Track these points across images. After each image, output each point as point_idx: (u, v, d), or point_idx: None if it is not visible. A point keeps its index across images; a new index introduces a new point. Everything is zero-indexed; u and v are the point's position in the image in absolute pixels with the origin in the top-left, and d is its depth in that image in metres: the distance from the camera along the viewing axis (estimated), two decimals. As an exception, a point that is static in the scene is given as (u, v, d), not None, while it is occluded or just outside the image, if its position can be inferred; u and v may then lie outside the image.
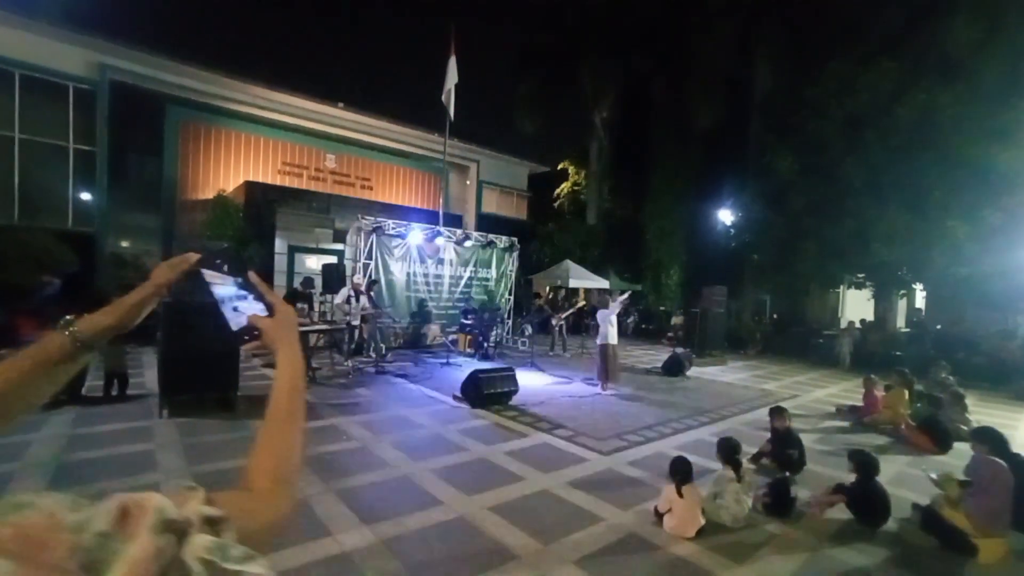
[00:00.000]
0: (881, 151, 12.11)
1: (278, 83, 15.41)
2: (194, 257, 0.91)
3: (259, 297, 0.88)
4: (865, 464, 3.90)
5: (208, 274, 0.90)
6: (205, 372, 5.67)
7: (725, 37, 17.15)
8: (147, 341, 8.83)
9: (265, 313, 0.86)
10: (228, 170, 15.42)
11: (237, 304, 0.88)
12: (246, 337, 0.86)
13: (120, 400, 5.97)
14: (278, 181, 16.02)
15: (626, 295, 9.22)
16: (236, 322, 0.87)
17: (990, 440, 3.88)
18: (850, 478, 3.96)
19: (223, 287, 0.89)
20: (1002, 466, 3.59)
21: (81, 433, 4.71)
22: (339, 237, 15.00)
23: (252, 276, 0.90)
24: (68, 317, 0.80)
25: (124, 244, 14.21)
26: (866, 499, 3.81)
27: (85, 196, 12.52)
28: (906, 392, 6.82)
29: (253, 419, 5.43)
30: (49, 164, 11.93)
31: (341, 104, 16.74)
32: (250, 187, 13.97)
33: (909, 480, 4.68)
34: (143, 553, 0.40)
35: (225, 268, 0.90)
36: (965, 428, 5.95)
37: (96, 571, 0.38)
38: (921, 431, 5.95)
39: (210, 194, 14.25)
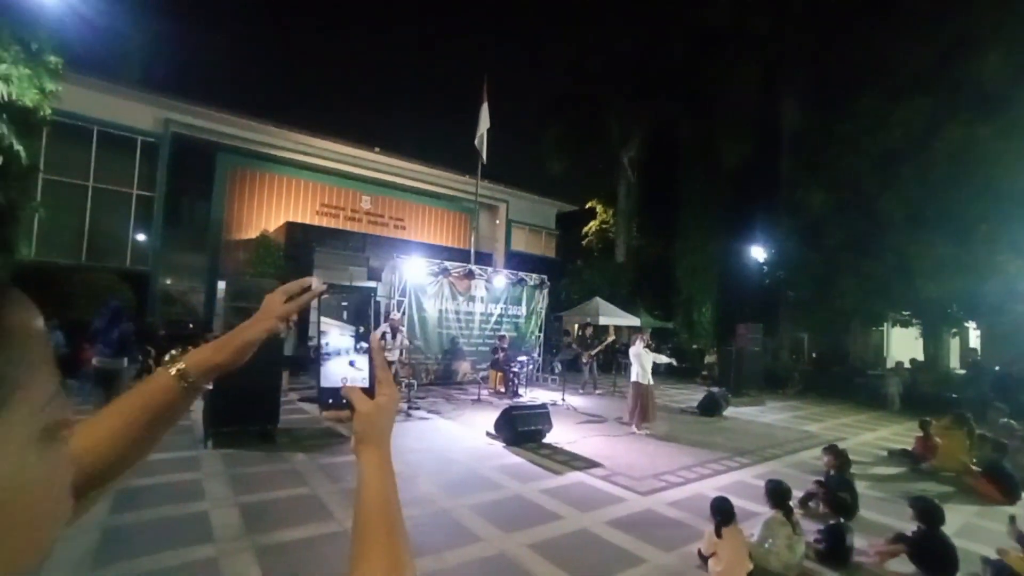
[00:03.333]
0: (920, 185, 11.86)
1: (318, 130, 16.44)
2: (320, 286, 0.80)
3: (370, 366, 0.75)
4: (929, 512, 3.67)
5: (324, 320, 0.79)
6: (248, 405, 5.85)
7: (751, 77, 17.43)
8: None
9: (364, 385, 0.73)
10: (271, 211, 16.29)
11: (346, 360, 0.75)
12: (331, 401, 0.74)
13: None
14: (316, 221, 16.78)
15: (666, 361, 8.96)
16: (330, 379, 0.75)
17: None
18: (910, 527, 3.72)
19: (338, 336, 0.77)
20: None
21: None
22: (373, 275, 15.47)
23: (374, 339, 0.78)
24: (173, 352, 0.77)
25: (174, 281, 15.01)
26: (931, 550, 3.57)
27: (142, 238, 13.42)
28: (966, 436, 6.42)
29: (293, 452, 5.53)
30: (115, 209, 12.92)
31: (377, 149, 17.64)
32: (290, 227, 14.69)
33: (977, 532, 4.36)
34: None
35: (345, 315, 0.79)
36: (1035, 476, 5.53)
37: None
38: (987, 479, 5.55)
39: (253, 234, 15.03)
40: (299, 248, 14.16)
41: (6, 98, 6.61)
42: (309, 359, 11.42)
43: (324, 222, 16.97)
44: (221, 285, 13.87)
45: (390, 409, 0.71)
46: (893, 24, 13.37)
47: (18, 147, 6.99)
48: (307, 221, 16.40)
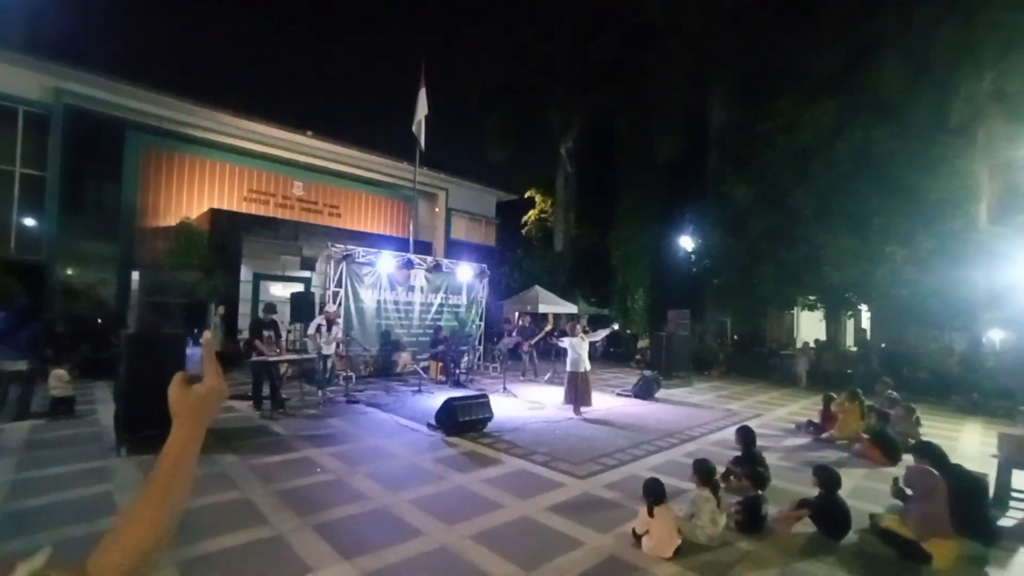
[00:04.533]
0: (827, 181, 13.03)
1: (245, 110, 15.30)
2: (207, 335, 0.93)
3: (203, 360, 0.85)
4: (828, 479, 4.12)
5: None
6: (166, 407, 5.42)
7: (682, 74, 18.21)
8: (98, 375, 8.42)
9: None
10: (192, 197, 15.04)
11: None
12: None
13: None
14: (244, 208, 15.72)
15: (607, 331, 9.40)
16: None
17: (930, 454, 4.23)
18: (812, 492, 4.17)
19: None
20: (937, 476, 3.89)
21: (27, 477, 4.43)
22: (307, 264, 14.77)
23: (205, 337, 0.88)
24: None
25: (78, 273, 13.51)
26: (829, 513, 4.02)
27: (31, 222, 11.93)
28: (858, 408, 7.23)
29: (221, 453, 5.24)
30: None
31: (309, 132, 16.72)
32: (215, 214, 13.66)
33: (866, 492, 4.94)
34: None
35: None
36: (913, 440, 6.35)
37: None
38: (873, 445, 6.30)
39: (173, 221, 13.84)
40: (226, 237, 13.22)
41: None
42: (239, 354, 10.79)
43: (253, 209, 15.94)
44: (135, 276, 12.71)
45: (209, 397, 0.81)
46: (808, 29, 14.47)
47: None
48: (234, 208, 15.33)
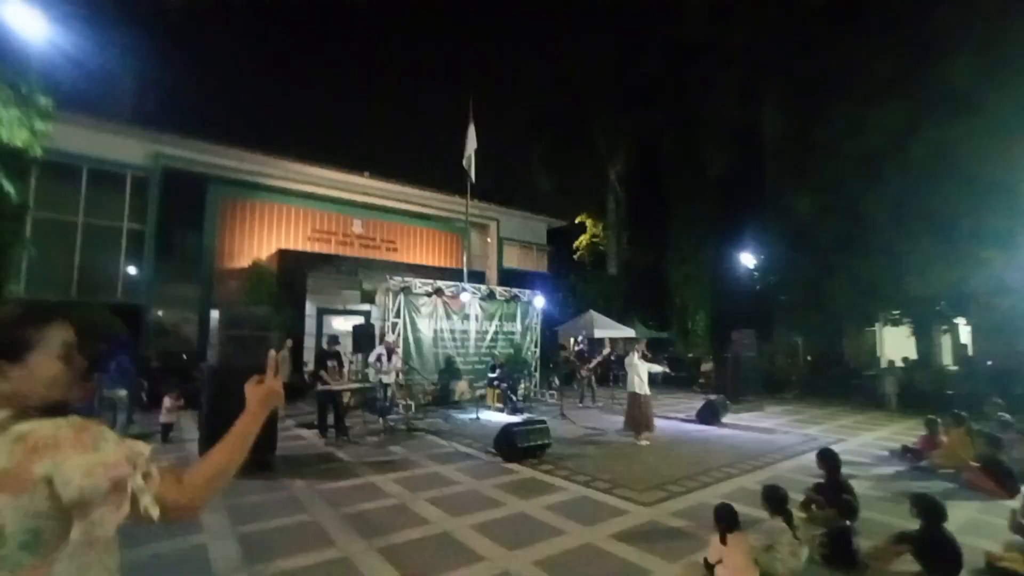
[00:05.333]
0: (902, 184, 12.10)
1: (308, 157, 16.59)
2: (272, 354, 1.31)
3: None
4: (930, 509, 3.68)
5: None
6: (244, 434, 5.79)
7: (730, 87, 17.82)
8: (192, 404, 9.11)
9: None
10: (263, 239, 16.30)
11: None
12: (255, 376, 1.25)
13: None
14: (308, 247, 16.81)
15: (661, 369, 9.09)
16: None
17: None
18: (912, 525, 3.73)
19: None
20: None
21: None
22: (367, 298, 15.43)
23: (271, 356, 1.29)
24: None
25: (166, 313, 14.89)
26: (934, 547, 3.56)
27: (133, 271, 13.37)
28: (965, 432, 6.46)
29: (291, 479, 5.47)
30: (106, 244, 12.90)
31: (367, 173, 17.80)
32: (283, 254, 14.71)
33: (980, 527, 4.37)
34: (121, 454, 0.95)
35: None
36: (1034, 468, 5.57)
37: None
38: (986, 474, 5.58)
39: (246, 263, 15.02)
40: (292, 275, 14.15)
41: (-4, 141, 6.67)
42: (305, 385, 11.34)
43: (316, 247, 17.00)
44: (214, 315, 13.82)
45: (269, 394, 1.22)
46: (860, 32, 13.80)
47: (8, 188, 7.01)
48: (299, 247, 16.43)
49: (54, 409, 1.02)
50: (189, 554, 3.62)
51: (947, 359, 16.21)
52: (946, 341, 16.67)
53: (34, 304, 1.14)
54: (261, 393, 1.21)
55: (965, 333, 17.09)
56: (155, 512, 0.97)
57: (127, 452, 0.97)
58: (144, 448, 1.01)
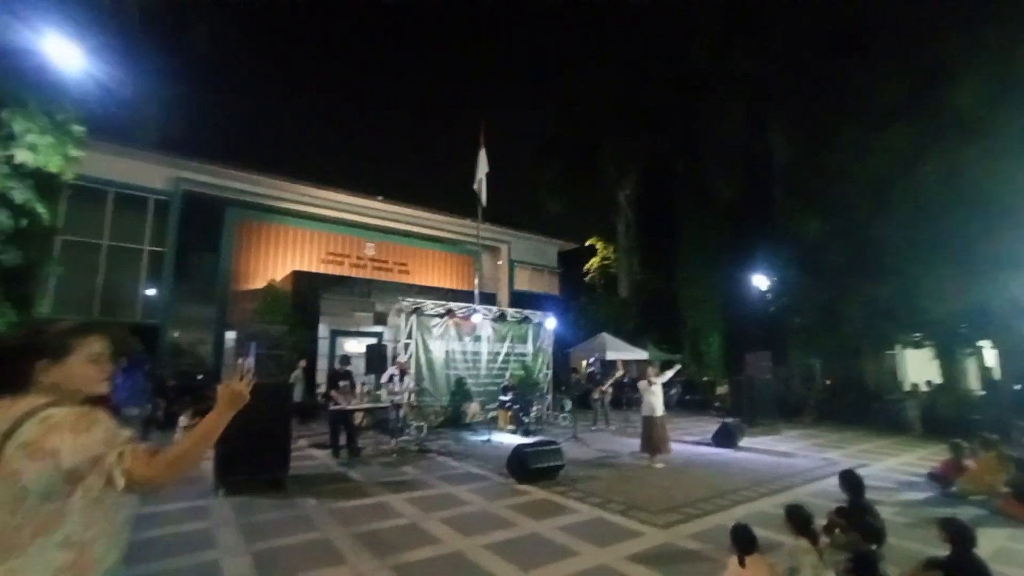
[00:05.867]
0: (913, 208, 12.04)
1: (322, 181, 17.04)
2: (241, 362, 1.58)
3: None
4: (960, 533, 3.56)
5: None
6: (258, 454, 5.83)
7: (736, 112, 18.06)
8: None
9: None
10: (277, 261, 16.62)
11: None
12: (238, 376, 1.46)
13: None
14: (322, 269, 17.08)
15: (673, 370, 8.97)
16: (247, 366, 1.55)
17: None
18: (941, 551, 3.60)
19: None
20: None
21: (145, 512, 4.84)
22: (379, 320, 15.57)
23: (241, 363, 1.56)
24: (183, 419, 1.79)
25: (183, 333, 15.15)
26: (966, 573, 3.44)
27: (152, 292, 13.68)
28: (995, 457, 6.25)
29: (304, 498, 5.46)
30: (127, 266, 13.28)
31: (380, 197, 18.19)
32: (297, 276, 14.96)
33: (1012, 556, 4.21)
34: (103, 437, 1.22)
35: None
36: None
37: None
38: (1017, 500, 5.38)
39: (261, 284, 15.29)
40: (306, 296, 14.36)
41: (32, 165, 6.97)
42: (317, 406, 11.37)
43: (330, 270, 17.27)
44: (230, 335, 14.00)
45: (235, 396, 1.42)
46: (865, 59, 13.98)
47: (40, 210, 7.30)
48: (313, 269, 16.71)
49: (92, 401, 1.33)
50: (201, 570, 3.61)
51: (973, 382, 15.76)
52: (971, 364, 16.23)
53: (81, 322, 1.52)
54: (228, 394, 1.41)
55: (991, 356, 16.66)
56: (120, 483, 1.21)
57: (109, 435, 1.24)
58: (126, 433, 1.28)
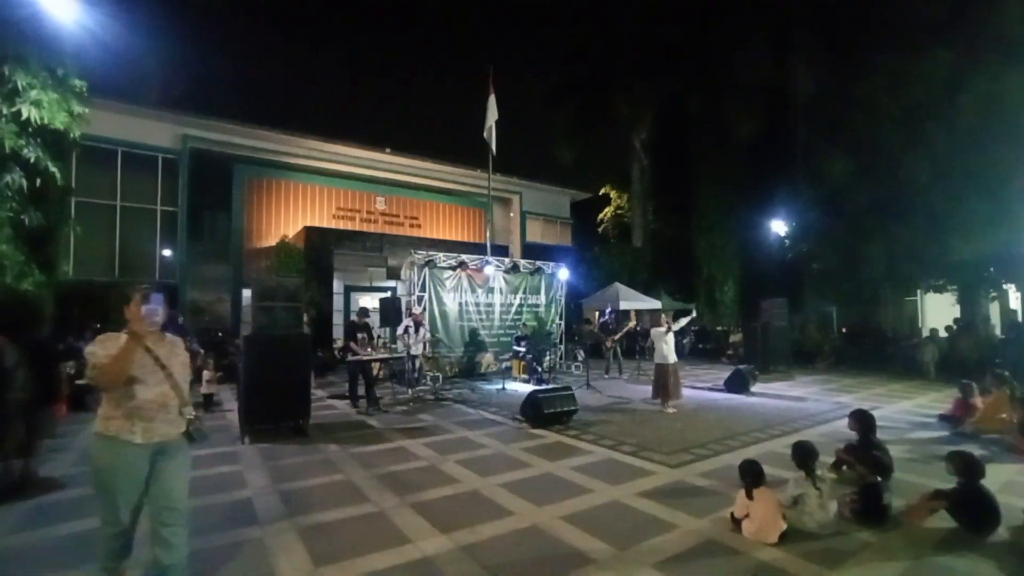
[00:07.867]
0: (946, 141, 11.39)
1: (330, 135, 16.71)
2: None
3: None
4: (968, 464, 3.59)
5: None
6: (281, 403, 6.06)
7: (757, 44, 16.92)
8: (228, 378, 9.52)
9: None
10: (289, 218, 16.65)
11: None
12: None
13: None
14: (334, 225, 17.10)
15: (688, 318, 8.92)
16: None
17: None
18: (949, 485, 3.64)
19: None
20: None
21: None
22: (392, 274, 15.67)
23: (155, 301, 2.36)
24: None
25: (200, 293, 15.50)
26: (972, 503, 3.49)
27: (168, 252, 13.88)
28: (1008, 394, 6.21)
29: (326, 443, 5.71)
30: (142, 226, 13.42)
31: (389, 149, 17.83)
32: (309, 232, 15.00)
33: (1020, 487, 4.24)
34: (95, 347, 2.28)
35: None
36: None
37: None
38: (1028, 437, 5.38)
39: (273, 241, 15.40)
40: (318, 252, 14.46)
41: (38, 122, 6.91)
42: (334, 361, 11.71)
43: (341, 225, 17.28)
44: (246, 293, 14.28)
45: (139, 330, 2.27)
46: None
47: (53, 169, 7.30)
48: (325, 225, 16.73)
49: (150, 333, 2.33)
50: (236, 506, 3.85)
51: (996, 326, 15.47)
52: (995, 308, 15.88)
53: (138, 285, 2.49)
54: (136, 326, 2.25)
55: (1015, 300, 16.24)
56: (91, 374, 2.24)
57: (99, 347, 2.22)
58: (112, 347, 2.21)
